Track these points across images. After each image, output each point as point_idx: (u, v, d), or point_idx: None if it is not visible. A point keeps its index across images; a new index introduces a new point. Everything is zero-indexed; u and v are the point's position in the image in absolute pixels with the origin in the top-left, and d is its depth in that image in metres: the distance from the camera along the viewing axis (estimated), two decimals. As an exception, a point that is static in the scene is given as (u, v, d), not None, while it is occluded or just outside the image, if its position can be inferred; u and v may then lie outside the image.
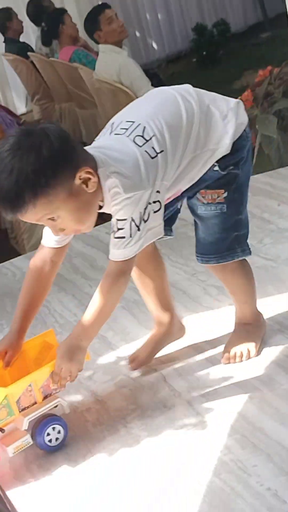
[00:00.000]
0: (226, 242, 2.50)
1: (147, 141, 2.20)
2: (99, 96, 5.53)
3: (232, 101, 2.43)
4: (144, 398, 2.58)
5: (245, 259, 2.59)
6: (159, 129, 2.22)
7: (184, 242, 3.66)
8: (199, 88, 2.45)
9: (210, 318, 2.96)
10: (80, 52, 6.19)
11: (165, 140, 2.22)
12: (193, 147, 2.29)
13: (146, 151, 2.19)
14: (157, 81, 5.46)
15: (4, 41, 7.44)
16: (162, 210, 2.27)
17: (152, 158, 2.19)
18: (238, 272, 2.61)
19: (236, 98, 3.28)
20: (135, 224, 2.19)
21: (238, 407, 2.38)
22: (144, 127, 2.21)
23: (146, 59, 9.49)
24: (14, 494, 2.27)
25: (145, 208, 2.18)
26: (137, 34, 9.48)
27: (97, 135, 6.24)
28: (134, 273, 2.67)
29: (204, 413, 2.41)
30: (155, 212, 2.23)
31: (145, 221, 2.20)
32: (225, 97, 2.44)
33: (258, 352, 2.62)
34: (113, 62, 5.07)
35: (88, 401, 2.64)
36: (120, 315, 3.12)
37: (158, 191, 2.21)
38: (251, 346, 2.62)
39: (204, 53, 8.85)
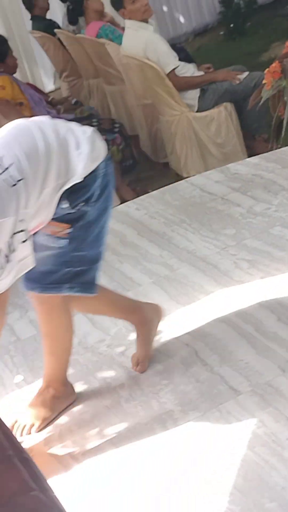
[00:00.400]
0: (55, 276, 2.34)
1: (5, 169, 2.12)
2: (127, 71, 5.49)
3: (88, 130, 2.32)
4: (176, 373, 2.58)
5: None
6: (17, 157, 2.15)
7: (214, 216, 3.66)
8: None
9: (241, 292, 2.95)
10: (106, 27, 6.15)
11: (24, 168, 2.15)
12: (54, 176, 2.22)
13: (5, 179, 2.11)
14: (184, 55, 5.40)
15: (31, 19, 7.41)
16: (30, 241, 2.18)
17: (12, 186, 2.11)
18: (58, 311, 2.45)
19: (263, 70, 3.24)
20: (4, 254, 2.10)
21: (271, 381, 2.38)
22: (1, 157, 2.15)
23: (173, 33, 9.40)
24: (48, 469, 2.30)
25: (11, 237, 2.10)
26: (164, 8, 9.39)
27: (125, 111, 6.17)
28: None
29: (237, 386, 2.41)
30: (22, 242, 2.14)
31: (14, 251, 2.12)
32: (83, 127, 2.34)
33: (42, 427, 2.51)
34: (139, 38, 5.03)
35: (121, 377, 2.65)
36: (151, 290, 3.12)
37: (21, 220, 2.13)
38: (41, 418, 2.52)
39: (232, 25, 8.75)
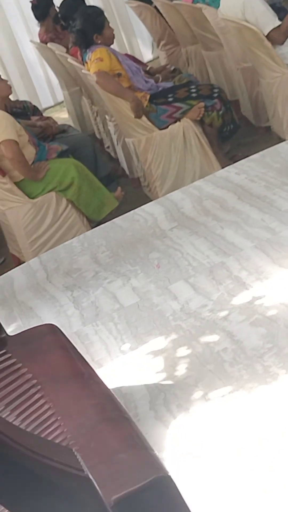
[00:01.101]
0: None
1: None
2: (225, 35, 5.41)
3: None
4: (281, 336, 2.54)
5: None
6: None
7: None
8: None
9: None
10: (203, -8, 6.08)
11: None
12: None
13: None
14: (283, 14, 5.26)
15: (128, -11, 7.42)
16: None
17: None
18: None
19: None
20: None
21: None
22: None
23: (273, -7, 9.21)
24: (154, 432, 2.31)
25: None
26: None
27: (225, 76, 6.06)
28: None
29: None
30: None
31: None
32: None
33: None
34: (236, 0, 4.94)
35: (224, 341, 2.64)
36: (253, 255, 3.08)
37: None
38: None
39: None
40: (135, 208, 4.08)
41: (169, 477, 1.35)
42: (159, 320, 2.93)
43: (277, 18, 4.92)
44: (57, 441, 1.45)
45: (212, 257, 3.20)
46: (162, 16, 6.74)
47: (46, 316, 3.23)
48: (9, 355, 1.84)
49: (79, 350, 2.30)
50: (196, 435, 2.27)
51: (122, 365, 2.74)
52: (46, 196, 4.52)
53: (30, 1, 6.76)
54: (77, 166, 4.65)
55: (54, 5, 6.65)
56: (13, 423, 1.57)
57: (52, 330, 1.93)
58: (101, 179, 4.86)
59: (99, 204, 4.67)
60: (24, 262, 4.13)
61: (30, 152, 4.56)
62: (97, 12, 5.18)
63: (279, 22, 4.87)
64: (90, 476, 1.16)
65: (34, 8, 6.73)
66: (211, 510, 1.78)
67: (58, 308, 3.29)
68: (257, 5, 4.89)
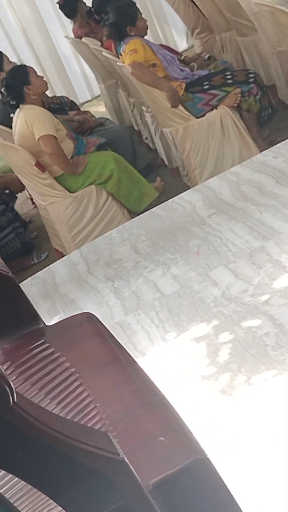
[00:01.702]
0: None
1: None
2: (259, 20, 5.36)
3: None
4: None
5: None
6: None
7: None
8: None
9: None
10: (236, -22, 6.02)
11: None
12: None
13: None
14: None
15: (160, -21, 7.40)
16: None
17: None
18: None
19: None
20: None
21: None
22: None
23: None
24: (193, 414, 2.31)
25: None
26: None
27: (260, 61, 6.02)
28: None
29: None
30: None
31: None
32: None
33: None
34: (270, -18, 4.90)
35: (266, 325, 2.62)
36: (293, 238, 3.06)
37: None
38: None
39: None
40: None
41: (208, 459, 1.35)
42: (200, 307, 2.93)
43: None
44: (96, 427, 1.47)
45: (252, 242, 3.18)
46: (195, 5, 6.71)
47: (88, 308, 3.25)
48: (48, 344, 1.86)
49: (121, 340, 2.30)
50: (233, 425, 2.26)
51: (164, 353, 2.74)
52: (86, 190, 4.54)
53: (57, 2, 6.82)
54: (116, 158, 4.66)
55: (82, 1, 6.69)
56: (53, 411, 1.58)
57: (89, 319, 1.94)
58: (140, 171, 4.86)
59: (139, 195, 4.67)
60: (66, 256, 4.16)
61: (68, 146, 4.58)
62: (129, 4, 5.18)
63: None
64: (126, 460, 1.17)
65: (61, 7, 6.79)
66: (243, 500, 1.77)
67: (100, 299, 3.30)
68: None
